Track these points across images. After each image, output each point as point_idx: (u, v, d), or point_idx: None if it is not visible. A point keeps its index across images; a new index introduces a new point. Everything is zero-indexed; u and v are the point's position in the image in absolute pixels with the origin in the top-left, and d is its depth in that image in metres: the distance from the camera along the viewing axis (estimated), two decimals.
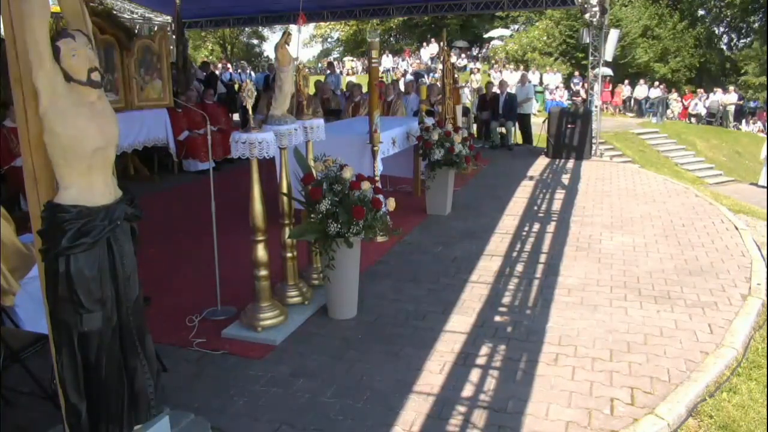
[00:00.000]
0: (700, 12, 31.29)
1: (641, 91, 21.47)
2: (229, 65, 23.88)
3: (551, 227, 6.25)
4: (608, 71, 17.84)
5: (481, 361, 3.44)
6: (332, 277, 3.89)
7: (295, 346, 3.64)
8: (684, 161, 15.78)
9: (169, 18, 14.11)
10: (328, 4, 13.63)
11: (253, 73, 20.64)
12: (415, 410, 2.95)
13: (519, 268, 5.01)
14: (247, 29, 33.84)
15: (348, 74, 25.42)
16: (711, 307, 4.15)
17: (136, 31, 12.09)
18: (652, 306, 4.19)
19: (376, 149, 5.63)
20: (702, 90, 23.27)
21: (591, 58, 11.54)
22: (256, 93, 3.67)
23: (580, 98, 16.08)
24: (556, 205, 7.25)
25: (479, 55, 29.06)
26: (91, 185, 2.10)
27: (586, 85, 14.33)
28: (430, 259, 5.26)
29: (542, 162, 10.58)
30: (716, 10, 31.22)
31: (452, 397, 3.07)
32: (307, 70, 5.27)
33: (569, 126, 10.84)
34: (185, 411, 2.74)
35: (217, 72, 16.94)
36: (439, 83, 9.63)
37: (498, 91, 12.50)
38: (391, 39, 35.10)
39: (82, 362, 2.15)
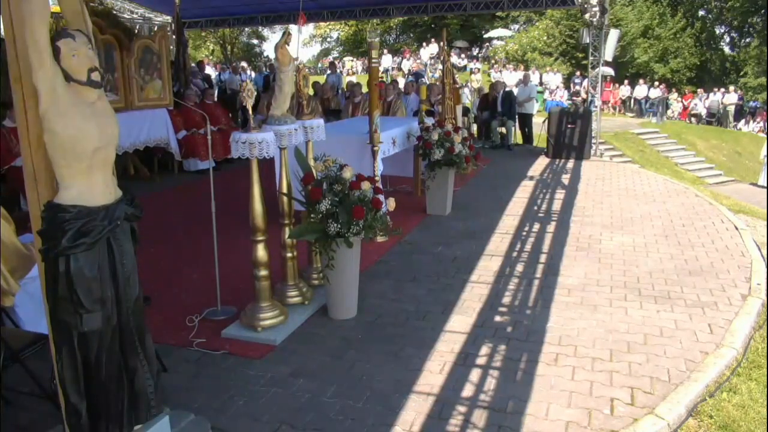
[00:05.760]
0: (701, 12, 31.30)
1: (641, 91, 21.47)
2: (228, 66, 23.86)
3: (551, 227, 6.25)
4: (609, 71, 17.87)
5: (481, 361, 3.44)
6: (332, 277, 3.89)
7: (295, 346, 3.64)
8: (684, 161, 15.78)
9: (169, 18, 14.11)
10: (328, 4, 13.63)
11: (252, 73, 20.62)
12: (415, 410, 2.95)
13: (519, 268, 5.01)
14: (247, 29, 33.82)
15: (348, 74, 25.41)
16: (711, 307, 4.15)
17: (136, 31, 12.10)
18: (652, 306, 4.19)
19: (376, 149, 5.63)
20: (702, 90, 23.28)
21: (591, 58, 11.55)
22: (256, 93, 3.67)
23: (580, 98, 16.09)
24: (556, 205, 7.24)
25: (479, 55, 29.07)
26: (91, 185, 2.10)
27: (586, 85, 14.32)
28: (430, 259, 5.26)
29: (542, 162, 10.58)
30: (717, 11, 31.23)
31: (452, 397, 3.07)
32: (307, 70, 5.27)
33: (569, 126, 10.84)
34: (185, 411, 2.74)
35: (209, 70, 16.86)
36: (438, 83, 9.62)
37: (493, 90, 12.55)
38: (391, 39, 35.11)
39: (82, 362, 2.15)
